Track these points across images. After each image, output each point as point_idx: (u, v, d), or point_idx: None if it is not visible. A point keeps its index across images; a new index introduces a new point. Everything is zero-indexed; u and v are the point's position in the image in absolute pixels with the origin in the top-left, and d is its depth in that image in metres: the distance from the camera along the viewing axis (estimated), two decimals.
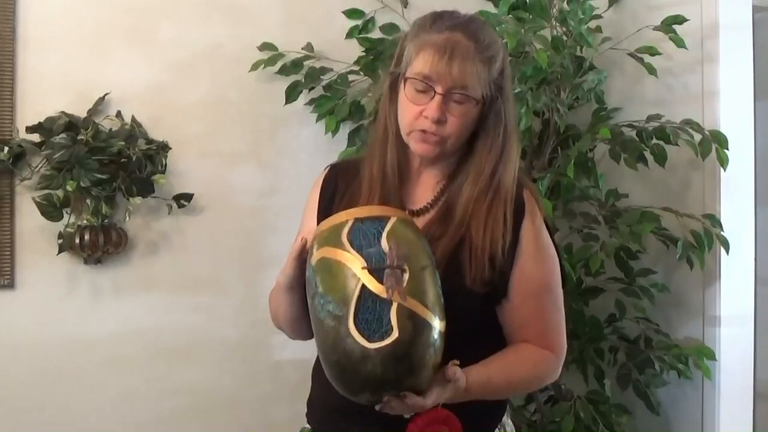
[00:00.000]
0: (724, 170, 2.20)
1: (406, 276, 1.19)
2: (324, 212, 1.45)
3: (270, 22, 2.47)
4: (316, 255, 1.25)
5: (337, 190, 1.48)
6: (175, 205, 2.33)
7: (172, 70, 2.36)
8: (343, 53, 2.49)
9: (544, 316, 1.40)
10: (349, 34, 2.53)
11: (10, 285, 2.19)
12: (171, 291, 2.38)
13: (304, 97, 2.48)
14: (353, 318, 1.16)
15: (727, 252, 2.24)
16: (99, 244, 2.18)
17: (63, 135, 2.12)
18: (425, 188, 1.44)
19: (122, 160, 2.18)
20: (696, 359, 2.29)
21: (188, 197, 2.35)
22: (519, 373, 1.38)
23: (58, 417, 2.25)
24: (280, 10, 2.49)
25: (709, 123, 2.29)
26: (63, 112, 2.19)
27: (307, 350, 1.42)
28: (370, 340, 1.14)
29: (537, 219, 1.41)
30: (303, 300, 1.33)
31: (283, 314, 1.45)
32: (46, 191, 2.16)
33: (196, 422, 2.39)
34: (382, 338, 1.14)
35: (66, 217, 2.19)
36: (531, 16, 2.33)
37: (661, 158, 2.27)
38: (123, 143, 2.17)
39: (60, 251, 2.21)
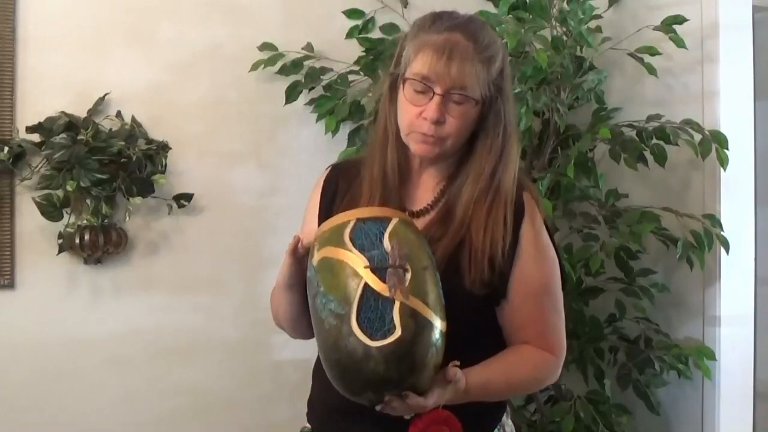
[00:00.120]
0: (724, 170, 2.20)
1: (409, 275, 1.19)
2: (325, 212, 1.45)
3: (270, 22, 2.47)
4: (317, 255, 1.25)
5: (338, 190, 1.48)
6: (175, 205, 2.33)
7: (172, 70, 2.36)
8: (343, 53, 2.49)
9: (544, 317, 1.40)
10: (349, 34, 2.53)
11: (10, 285, 2.19)
12: (171, 291, 2.38)
13: (304, 97, 2.48)
14: (356, 316, 1.16)
15: (727, 252, 2.24)
16: (99, 244, 2.18)
17: (63, 135, 2.12)
18: (425, 189, 1.44)
19: (122, 160, 2.18)
20: (696, 359, 2.29)
21: (188, 197, 2.35)
22: (518, 375, 1.38)
23: (58, 417, 2.25)
24: (280, 10, 2.49)
25: (709, 123, 2.30)
26: (63, 112, 2.19)
27: (307, 350, 1.42)
28: (372, 338, 1.14)
29: (537, 220, 1.40)
30: (303, 299, 1.33)
31: (284, 313, 1.45)
32: (46, 191, 2.16)
33: (196, 422, 2.39)
34: (384, 337, 1.14)
35: (66, 217, 2.19)
36: (531, 16, 2.33)
37: (661, 158, 2.27)
38: (123, 143, 2.17)
39: (60, 251, 2.21)
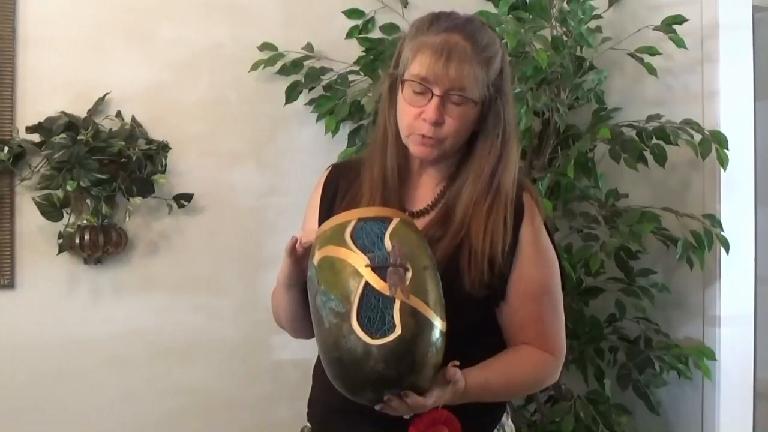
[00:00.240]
0: (724, 170, 2.20)
1: (409, 275, 1.20)
2: (325, 212, 1.45)
3: (270, 22, 2.47)
4: (318, 254, 1.25)
5: (338, 190, 1.48)
6: (175, 205, 2.33)
7: (172, 70, 2.36)
8: (343, 53, 2.49)
9: (544, 318, 1.40)
10: (349, 34, 2.53)
11: (10, 285, 2.19)
12: (171, 291, 2.38)
13: (304, 97, 2.48)
14: (356, 315, 1.16)
15: (727, 252, 2.24)
16: (99, 244, 2.18)
17: (63, 135, 2.12)
18: (425, 190, 1.44)
19: (122, 160, 2.18)
20: (696, 359, 2.29)
21: (188, 197, 2.35)
22: (518, 376, 1.38)
23: (58, 417, 2.25)
24: (280, 10, 2.49)
25: (709, 123, 2.30)
26: (63, 112, 2.19)
27: (307, 350, 1.43)
28: (372, 337, 1.15)
29: (536, 221, 1.40)
30: (303, 299, 1.34)
31: (284, 313, 1.45)
32: (46, 191, 2.16)
33: (196, 422, 2.39)
34: (384, 335, 1.15)
35: (66, 217, 2.19)
36: (531, 16, 2.33)
37: (661, 158, 2.27)
38: (123, 143, 2.17)
39: (60, 251, 2.21)
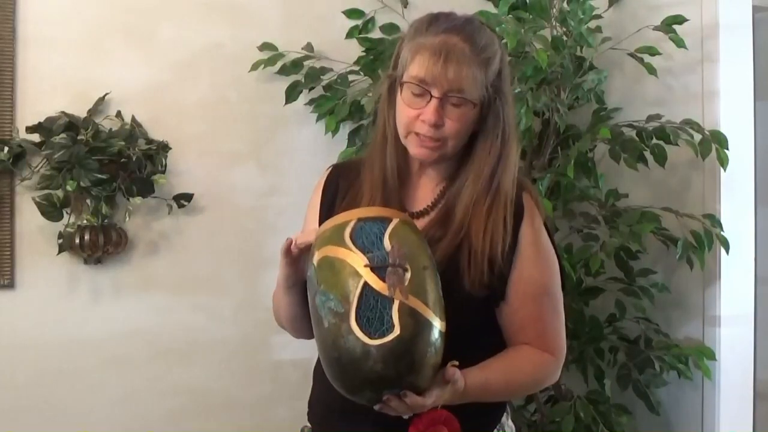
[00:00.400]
0: (724, 170, 2.20)
1: (408, 275, 1.19)
2: (326, 213, 1.45)
3: (270, 22, 2.47)
4: (318, 254, 1.25)
5: (338, 190, 1.48)
6: (175, 205, 2.33)
7: (172, 70, 2.36)
8: (343, 53, 2.49)
9: (544, 318, 1.40)
10: (349, 34, 2.53)
11: (10, 285, 2.20)
12: (171, 291, 2.38)
13: (304, 97, 2.48)
14: (355, 315, 1.16)
15: (727, 252, 2.24)
16: (99, 244, 2.18)
17: (63, 135, 2.12)
18: (425, 190, 1.44)
19: (122, 160, 2.18)
20: (696, 359, 2.29)
21: (188, 197, 2.35)
22: (518, 376, 1.38)
23: (58, 417, 2.25)
24: (280, 10, 2.49)
25: (709, 123, 2.30)
26: (63, 112, 2.19)
27: (307, 350, 1.43)
28: (371, 337, 1.15)
29: (536, 222, 1.40)
30: (302, 299, 1.34)
31: (285, 313, 1.46)
32: (46, 191, 2.16)
33: (196, 422, 2.39)
34: (383, 335, 1.15)
35: (66, 217, 2.19)
36: (531, 16, 2.33)
37: (661, 158, 2.27)
38: (123, 143, 2.17)
39: (60, 251, 2.21)
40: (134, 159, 2.18)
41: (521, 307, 1.37)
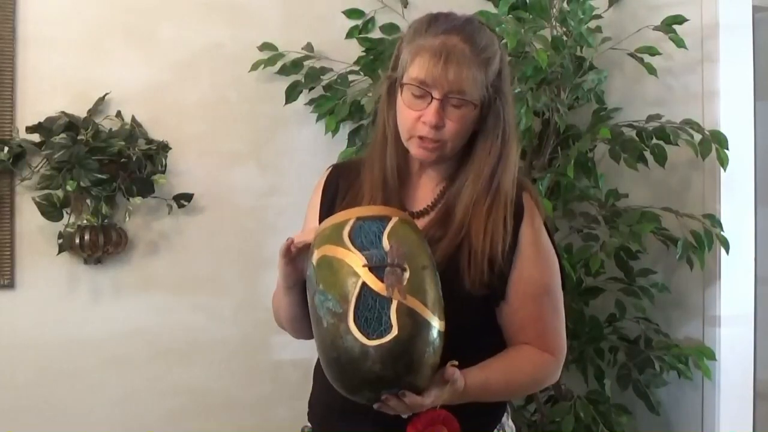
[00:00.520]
0: (724, 170, 2.20)
1: (407, 275, 1.19)
2: (326, 213, 1.45)
3: (270, 22, 2.47)
4: (317, 253, 1.25)
5: (338, 191, 1.48)
6: (175, 205, 2.33)
7: (172, 70, 2.36)
8: (343, 53, 2.49)
9: (544, 318, 1.40)
10: (349, 34, 2.53)
11: (10, 285, 2.20)
12: (171, 291, 2.38)
13: (304, 97, 2.48)
14: (353, 315, 1.16)
15: (727, 252, 2.24)
16: (99, 244, 2.18)
17: (63, 135, 2.12)
18: (425, 190, 1.44)
19: (122, 160, 2.18)
20: (696, 359, 2.29)
21: (188, 197, 2.35)
22: (518, 376, 1.38)
23: (58, 417, 2.25)
24: (280, 10, 2.49)
25: (709, 123, 2.29)
26: (63, 112, 2.19)
27: (307, 350, 1.42)
28: (369, 337, 1.14)
29: (536, 222, 1.40)
30: (302, 299, 1.34)
31: (285, 314, 1.46)
32: (46, 191, 2.16)
33: (196, 422, 2.40)
34: (381, 336, 1.14)
35: (66, 217, 2.19)
36: (531, 16, 2.33)
37: (661, 158, 2.27)
38: (123, 143, 2.17)
39: (60, 251, 2.21)
40: (134, 159, 2.18)
41: (521, 307, 1.37)
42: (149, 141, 2.27)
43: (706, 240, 2.20)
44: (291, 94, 2.45)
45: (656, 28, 2.29)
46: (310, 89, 2.47)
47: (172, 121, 2.35)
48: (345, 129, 2.47)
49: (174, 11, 2.36)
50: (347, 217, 1.28)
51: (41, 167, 2.16)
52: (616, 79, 2.61)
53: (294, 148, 2.51)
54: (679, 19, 2.26)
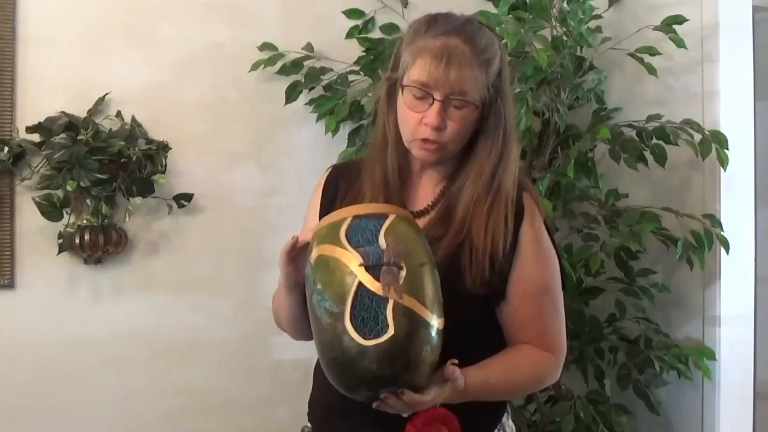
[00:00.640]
0: (724, 170, 2.20)
1: (403, 273, 1.19)
2: (325, 213, 1.44)
3: (270, 22, 2.47)
4: (314, 252, 1.25)
5: (338, 191, 1.48)
6: (175, 205, 2.33)
7: (172, 70, 2.36)
8: (343, 53, 2.49)
9: (544, 318, 1.40)
10: (349, 34, 2.53)
11: (10, 285, 2.20)
12: (171, 291, 2.38)
13: (304, 97, 2.48)
14: (349, 315, 1.16)
15: (727, 252, 2.24)
16: (99, 244, 2.18)
17: (63, 135, 2.12)
18: (426, 190, 1.44)
19: (122, 160, 2.18)
20: (696, 359, 2.29)
21: (188, 197, 2.35)
22: (518, 375, 1.38)
23: (58, 417, 2.25)
24: (280, 10, 2.49)
25: (709, 123, 2.29)
26: (63, 112, 2.19)
27: (307, 350, 1.42)
28: (366, 337, 1.14)
29: (536, 221, 1.40)
30: (303, 300, 1.33)
31: (285, 315, 1.45)
32: (46, 191, 2.16)
33: (196, 422, 2.39)
34: (378, 335, 1.14)
35: (66, 217, 2.19)
36: (531, 16, 2.33)
37: (661, 158, 2.27)
38: (123, 143, 2.17)
39: (60, 251, 2.21)
40: (134, 159, 2.18)
41: (521, 307, 1.37)
42: (149, 141, 2.27)
43: (706, 240, 2.20)
44: (291, 94, 2.45)
45: (656, 28, 2.29)
46: (310, 89, 2.47)
47: (172, 121, 2.35)
48: (345, 129, 2.47)
49: (174, 11, 2.36)
50: (344, 215, 1.28)
51: (41, 167, 2.16)
52: (616, 79, 2.61)
53: (294, 148, 2.51)
54: (679, 19, 2.26)
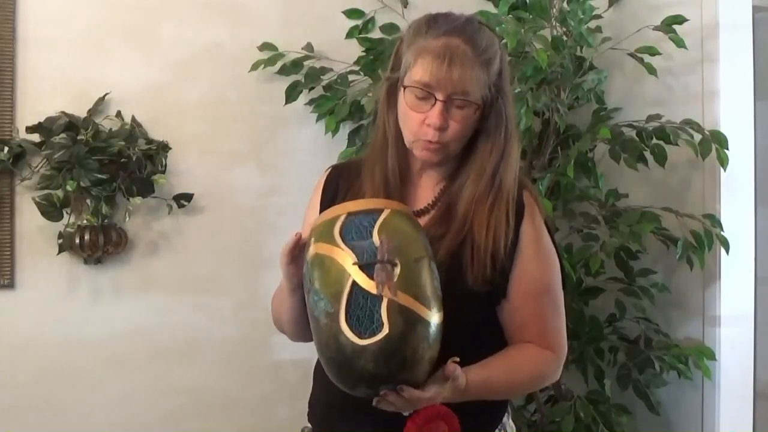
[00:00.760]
0: (724, 170, 2.20)
1: (397, 270, 1.18)
2: None
3: (270, 22, 2.47)
4: (311, 250, 1.24)
5: (338, 191, 1.48)
6: (175, 205, 2.33)
7: (172, 70, 2.36)
8: (343, 53, 2.49)
9: (545, 316, 1.40)
10: (349, 34, 2.53)
11: (10, 285, 2.20)
12: (171, 291, 2.38)
13: (304, 97, 2.48)
14: (345, 315, 1.16)
15: (727, 252, 2.24)
16: (99, 244, 2.18)
17: (63, 135, 2.12)
18: (426, 189, 1.44)
19: (122, 160, 2.18)
20: (696, 359, 2.29)
21: (188, 197, 2.35)
22: (519, 373, 1.38)
23: (58, 417, 2.25)
24: (280, 10, 2.49)
25: (709, 123, 2.29)
26: (63, 112, 2.19)
27: (307, 350, 1.42)
28: (361, 336, 1.14)
29: (537, 220, 1.41)
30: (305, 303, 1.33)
31: (287, 316, 1.43)
32: (46, 191, 2.16)
33: (196, 422, 2.39)
34: (373, 334, 1.14)
35: (66, 217, 2.19)
36: (531, 16, 2.33)
37: (661, 158, 2.27)
38: (123, 143, 2.17)
39: (60, 251, 2.21)
40: (134, 159, 2.18)
41: (522, 305, 1.38)
42: (149, 141, 2.27)
43: (706, 240, 2.20)
44: (291, 94, 2.45)
45: (656, 28, 2.29)
46: (310, 89, 2.47)
47: (172, 121, 2.35)
48: (345, 129, 2.47)
49: (174, 11, 2.36)
50: (339, 212, 1.27)
51: (41, 167, 2.16)
52: (616, 79, 2.61)
53: (294, 148, 2.51)
54: (679, 19, 2.26)
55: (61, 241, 2.20)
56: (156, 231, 2.36)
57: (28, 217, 2.19)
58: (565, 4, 2.38)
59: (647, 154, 2.29)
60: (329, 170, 1.55)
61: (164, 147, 2.28)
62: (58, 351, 2.26)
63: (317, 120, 2.49)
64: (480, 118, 1.36)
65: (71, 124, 2.16)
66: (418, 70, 1.32)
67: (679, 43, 2.24)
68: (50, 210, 2.16)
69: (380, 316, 1.15)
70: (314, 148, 2.50)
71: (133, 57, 2.31)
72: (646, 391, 2.32)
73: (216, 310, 2.43)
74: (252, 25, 2.44)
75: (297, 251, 1.31)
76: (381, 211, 1.26)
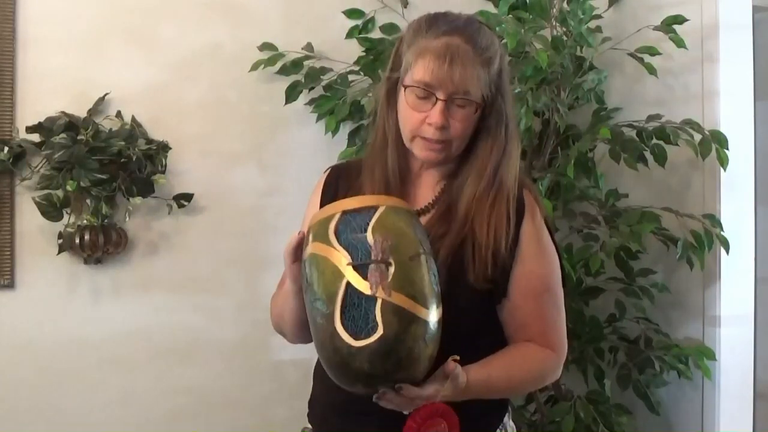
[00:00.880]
0: (724, 170, 2.20)
1: (392, 270, 1.17)
2: None
3: (270, 22, 2.47)
4: (308, 250, 1.24)
5: (338, 191, 1.48)
6: (175, 205, 2.33)
7: (172, 70, 2.36)
8: (343, 53, 2.49)
9: (545, 315, 1.40)
10: (349, 34, 2.53)
11: (10, 285, 2.20)
12: (171, 291, 2.38)
13: (304, 97, 2.48)
14: (340, 316, 1.16)
15: (727, 252, 2.24)
16: (99, 244, 2.19)
17: (63, 135, 2.12)
18: (426, 189, 1.44)
19: (122, 160, 2.18)
20: (696, 359, 2.29)
21: (188, 197, 2.35)
22: (520, 372, 1.38)
23: (58, 417, 2.25)
24: (280, 10, 2.49)
25: (709, 123, 2.29)
26: (63, 112, 2.19)
27: (307, 350, 1.42)
28: (356, 337, 1.14)
29: (537, 218, 1.41)
30: None
31: (289, 318, 1.41)
32: (46, 191, 2.16)
33: (196, 422, 2.39)
34: (368, 335, 1.14)
35: (66, 217, 2.19)
36: (531, 16, 2.33)
37: (661, 158, 2.27)
38: (123, 143, 2.17)
39: (60, 251, 2.21)
40: (134, 159, 2.18)
41: (523, 304, 1.38)
42: (149, 141, 2.27)
43: (706, 240, 2.19)
44: (291, 94, 2.45)
45: (656, 28, 2.29)
46: (310, 89, 2.47)
47: (172, 121, 2.35)
48: (345, 129, 2.47)
49: (174, 11, 2.36)
50: (333, 211, 1.26)
51: (41, 167, 2.16)
52: (616, 79, 2.61)
53: (294, 148, 2.51)
54: (679, 19, 2.26)
55: (61, 241, 2.20)
56: (156, 231, 2.36)
57: (28, 217, 2.19)
58: (565, 4, 2.37)
59: (647, 154, 2.29)
60: (329, 170, 1.55)
61: (164, 147, 2.28)
62: (58, 351, 2.26)
63: (317, 120, 2.50)
64: (480, 117, 1.37)
65: (71, 124, 2.16)
66: (419, 70, 1.32)
67: (679, 43, 2.24)
68: (50, 210, 2.17)
69: (375, 316, 1.14)
70: (314, 148, 2.50)
71: (133, 57, 2.31)
72: (646, 391, 2.32)
73: (216, 310, 2.43)
74: (252, 25, 2.44)
75: (300, 251, 1.31)
76: (376, 208, 1.25)
